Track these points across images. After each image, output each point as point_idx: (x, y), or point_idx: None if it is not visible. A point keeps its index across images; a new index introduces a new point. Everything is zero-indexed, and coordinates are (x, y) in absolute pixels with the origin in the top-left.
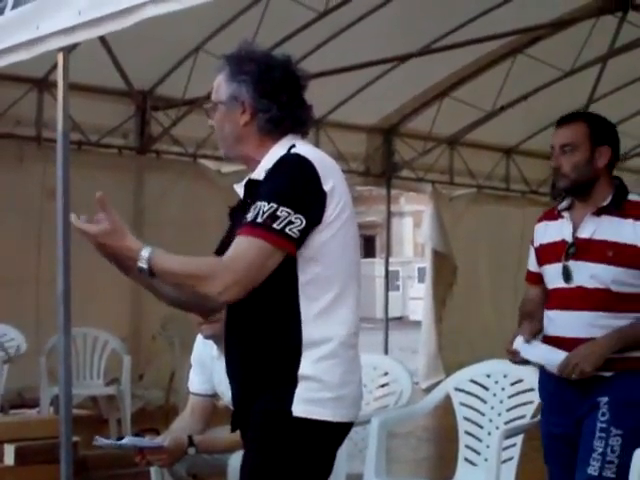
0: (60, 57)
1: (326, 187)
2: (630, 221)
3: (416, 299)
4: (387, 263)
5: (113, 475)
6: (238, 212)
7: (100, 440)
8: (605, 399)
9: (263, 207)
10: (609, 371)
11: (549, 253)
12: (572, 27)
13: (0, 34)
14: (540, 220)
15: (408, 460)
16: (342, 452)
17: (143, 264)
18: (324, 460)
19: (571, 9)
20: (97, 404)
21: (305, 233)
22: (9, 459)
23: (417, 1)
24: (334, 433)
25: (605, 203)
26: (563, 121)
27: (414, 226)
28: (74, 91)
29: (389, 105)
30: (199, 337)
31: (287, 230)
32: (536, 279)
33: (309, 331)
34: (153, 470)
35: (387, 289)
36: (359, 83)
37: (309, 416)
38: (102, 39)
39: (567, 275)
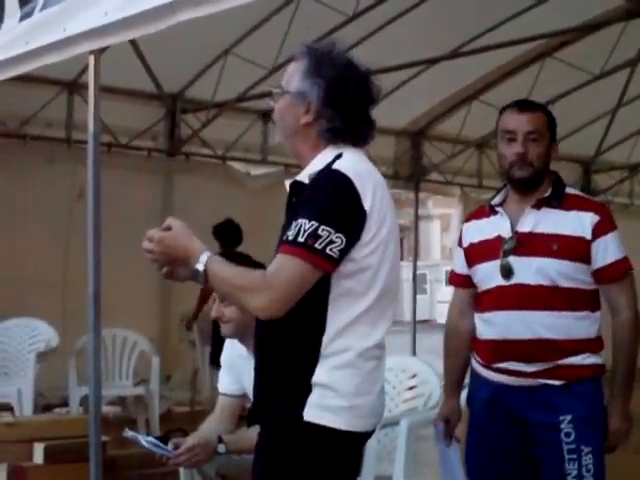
0: (91, 60)
1: (366, 205)
2: (573, 213)
3: (443, 302)
4: (415, 266)
5: (142, 475)
6: (287, 211)
7: (129, 432)
8: (567, 417)
9: (304, 225)
10: (558, 379)
11: (482, 251)
12: (601, 31)
13: (30, 36)
14: (468, 219)
15: (436, 463)
16: (370, 453)
17: (200, 267)
18: (337, 469)
19: (600, 12)
20: (125, 404)
21: (345, 252)
22: (39, 458)
23: (446, 5)
24: (347, 442)
25: (546, 195)
26: (526, 107)
27: (442, 229)
28: (104, 93)
29: (418, 108)
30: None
31: (327, 250)
32: (462, 281)
33: (329, 341)
34: (182, 470)
35: (415, 292)
36: (388, 86)
37: (320, 422)
38: (132, 42)
39: (507, 272)
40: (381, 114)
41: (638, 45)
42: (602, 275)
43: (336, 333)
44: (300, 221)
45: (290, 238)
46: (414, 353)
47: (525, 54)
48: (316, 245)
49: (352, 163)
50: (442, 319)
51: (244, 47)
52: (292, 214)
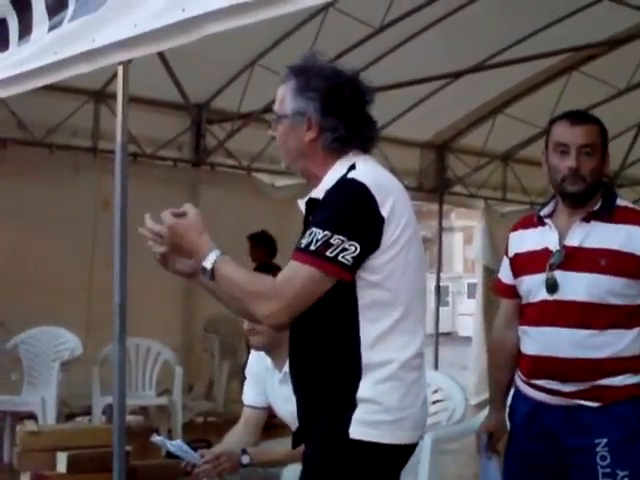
0: (120, 70)
1: (384, 211)
2: (622, 227)
3: (465, 315)
4: (438, 278)
5: None
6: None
7: (157, 437)
8: (603, 441)
9: (317, 234)
10: (595, 401)
11: (528, 263)
12: (627, 45)
13: (58, 46)
14: (515, 229)
15: (458, 476)
16: None
17: (208, 265)
18: None
19: (626, 27)
20: (148, 414)
21: (360, 259)
22: (62, 467)
23: (472, 18)
24: (393, 456)
25: (595, 208)
26: (579, 119)
27: (464, 242)
28: (131, 103)
29: (443, 121)
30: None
31: (340, 257)
32: (508, 291)
33: (368, 354)
34: None
35: (438, 304)
36: (413, 99)
37: (366, 438)
38: (159, 52)
39: (552, 287)
40: (406, 126)
41: None
42: None
43: (372, 344)
44: (314, 230)
45: (302, 246)
46: (436, 366)
47: (551, 68)
48: (327, 253)
49: (367, 171)
50: (464, 332)
51: (271, 58)
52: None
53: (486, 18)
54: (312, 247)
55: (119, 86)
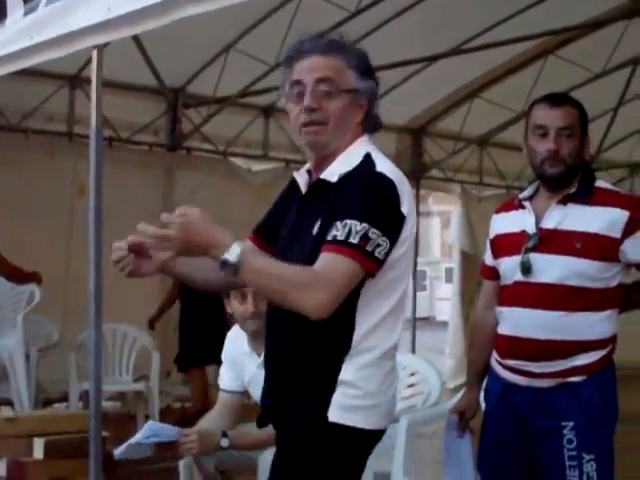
0: (94, 55)
1: (404, 209)
2: (600, 209)
3: (443, 299)
4: (416, 263)
5: (141, 471)
6: (294, 201)
7: (118, 451)
8: (570, 424)
9: (355, 226)
10: (563, 383)
11: (506, 245)
12: (604, 29)
13: (34, 30)
14: (498, 211)
15: (435, 461)
16: None
17: (233, 258)
18: (353, 466)
19: (603, 11)
20: (125, 400)
21: (387, 255)
22: (39, 453)
23: (448, 2)
24: (365, 440)
25: (572, 190)
26: (558, 102)
27: (442, 226)
28: (106, 88)
29: (419, 105)
30: (229, 333)
31: (376, 253)
32: (489, 273)
33: (358, 340)
34: (182, 466)
35: (415, 289)
36: (389, 83)
37: (343, 422)
38: (134, 36)
39: (526, 268)
40: (382, 110)
41: None
42: None
43: (367, 333)
44: (350, 222)
45: (341, 238)
46: (413, 350)
47: (527, 52)
48: (367, 247)
49: (389, 166)
50: (441, 316)
51: (246, 43)
52: (327, 213)
53: (462, 2)
54: (353, 240)
55: (93, 70)
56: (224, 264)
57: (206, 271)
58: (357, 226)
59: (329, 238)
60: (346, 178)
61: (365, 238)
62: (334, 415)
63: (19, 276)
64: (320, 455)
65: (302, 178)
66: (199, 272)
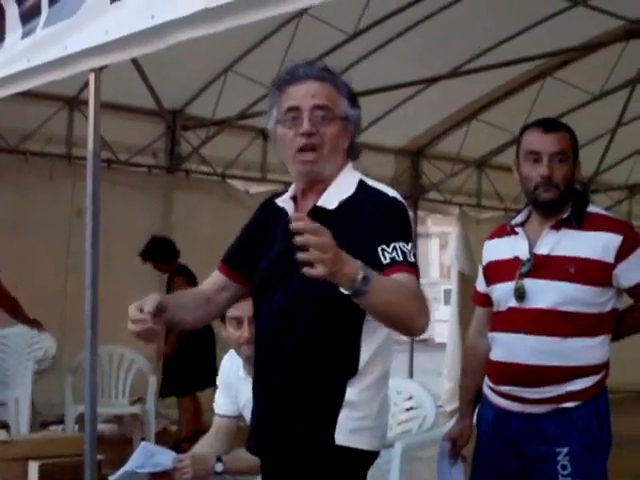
0: (92, 77)
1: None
2: (592, 234)
3: (441, 321)
4: None
5: None
6: (277, 229)
7: (115, 477)
8: (564, 450)
9: (405, 247)
10: (557, 409)
11: (500, 271)
12: (602, 50)
13: (31, 53)
14: (491, 237)
15: None
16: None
17: (365, 287)
18: None
19: (600, 33)
20: (122, 423)
21: None
22: (33, 476)
23: (446, 24)
24: (365, 462)
25: (565, 215)
26: (551, 127)
27: (440, 248)
28: (105, 110)
29: (418, 127)
30: (225, 358)
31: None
32: (482, 300)
33: (364, 362)
34: None
35: None
36: (388, 105)
37: (349, 444)
38: (133, 59)
39: (521, 294)
40: (381, 132)
41: (638, 65)
42: (635, 293)
43: (372, 354)
44: (397, 244)
45: (402, 259)
46: (411, 373)
47: (525, 74)
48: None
49: (391, 190)
50: (440, 338)
51: (245, 65)
52: (345, 240)
53: (460, 24)
54: (411, 259)
55: (91, 93)
56: (356, 292)
57: (190, 311)
58: (405, 246)
59: (386, 261)
60: (351, 204)
61: (415, 256)
62: (341, 438)
63: (15, 311)
64: (325, 478)
65: (288, 205)
66: (185, 315)
